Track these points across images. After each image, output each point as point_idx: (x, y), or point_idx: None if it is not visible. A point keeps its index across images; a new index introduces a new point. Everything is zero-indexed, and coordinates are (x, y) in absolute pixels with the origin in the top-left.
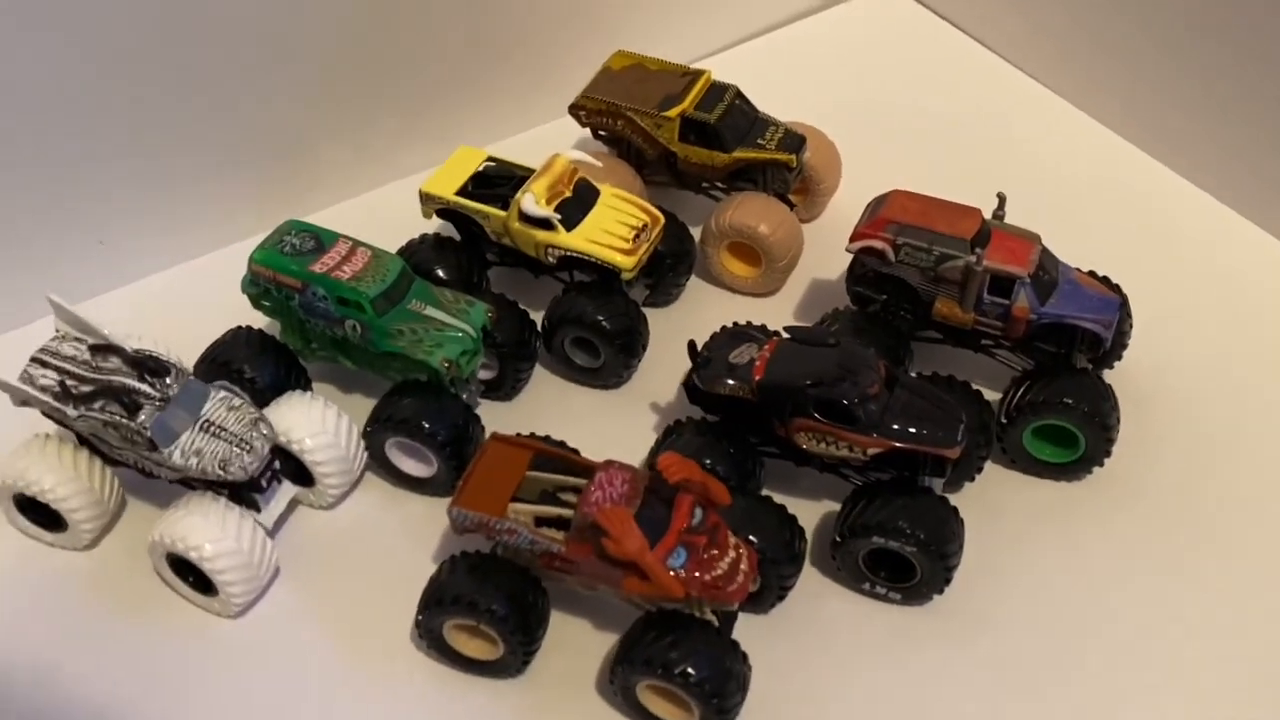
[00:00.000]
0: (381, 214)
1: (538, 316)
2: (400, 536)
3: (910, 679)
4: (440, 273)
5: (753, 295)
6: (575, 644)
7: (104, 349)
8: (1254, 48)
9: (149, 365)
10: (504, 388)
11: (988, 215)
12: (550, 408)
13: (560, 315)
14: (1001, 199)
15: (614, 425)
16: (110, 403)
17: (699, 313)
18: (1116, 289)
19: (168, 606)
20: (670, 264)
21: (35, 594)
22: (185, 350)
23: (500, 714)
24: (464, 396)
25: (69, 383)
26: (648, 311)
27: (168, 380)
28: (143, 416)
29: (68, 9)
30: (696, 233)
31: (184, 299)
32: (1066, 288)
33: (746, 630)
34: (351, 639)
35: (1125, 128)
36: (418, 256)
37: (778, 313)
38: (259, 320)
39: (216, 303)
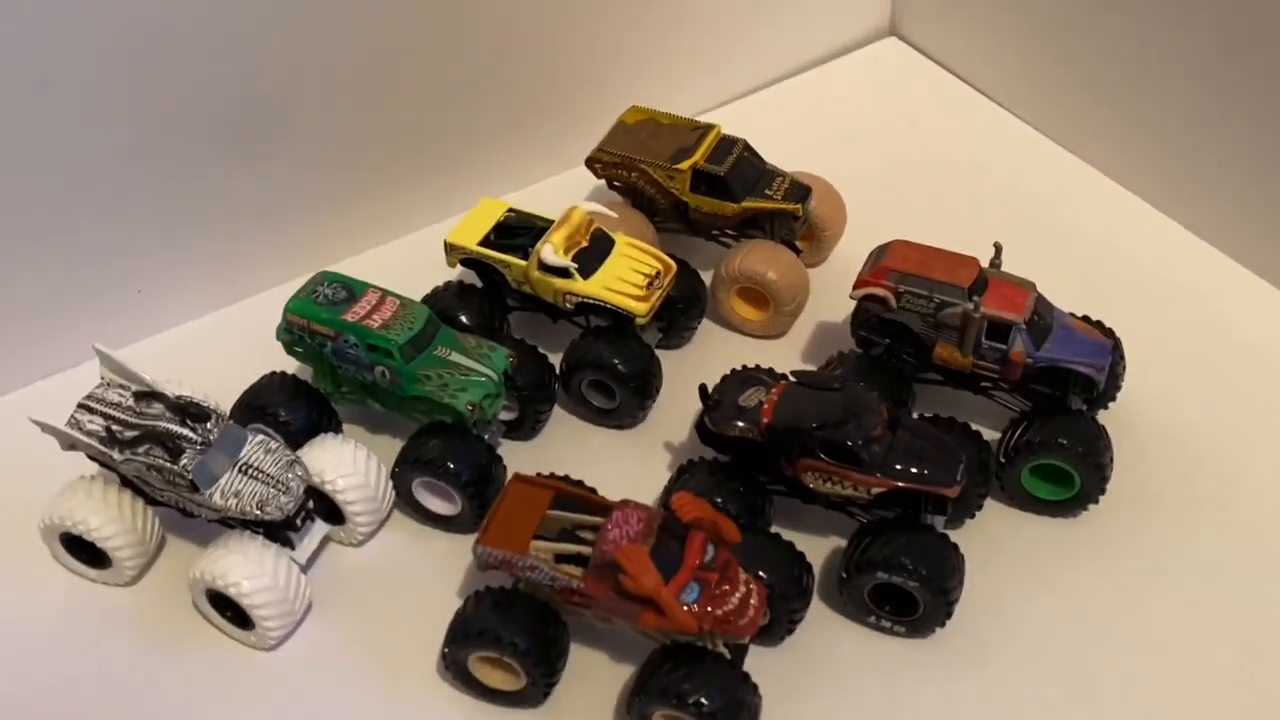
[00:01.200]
0: (407, 262)
1: (556, 360)
2: (426, 572)
3: (915, 709)
4: (464, 318)
5: (761, 338)
6: (594, 675)
7: (147, 395)
8: (1245, 96)
9: (191, 411)
10: (524, 428)
11: (985, 263)
12: (568, 447)
13: (578, 359)
14: (998, 248)
15: (629, 464)
16: (154, 447)
17: (710, 354)
18: (1110, 333)
19: (205, 640)
20: (682, 308)
21: (80, 627)
22: (219, 394)
23: None
24: (486, 437)
25: (114, 428)
26: (661, 354)
27: (208, 425)
28: (185, 460)
29: (105, 69)
30: (707, 277)
31: (217, 345)
32: (1061, 333)
33: (757, 662)
34: (380, 670)
35: (1121, 174)
36: (442, 303)
37: (785, 355)
38: (290, 365)
39: (249, 348)
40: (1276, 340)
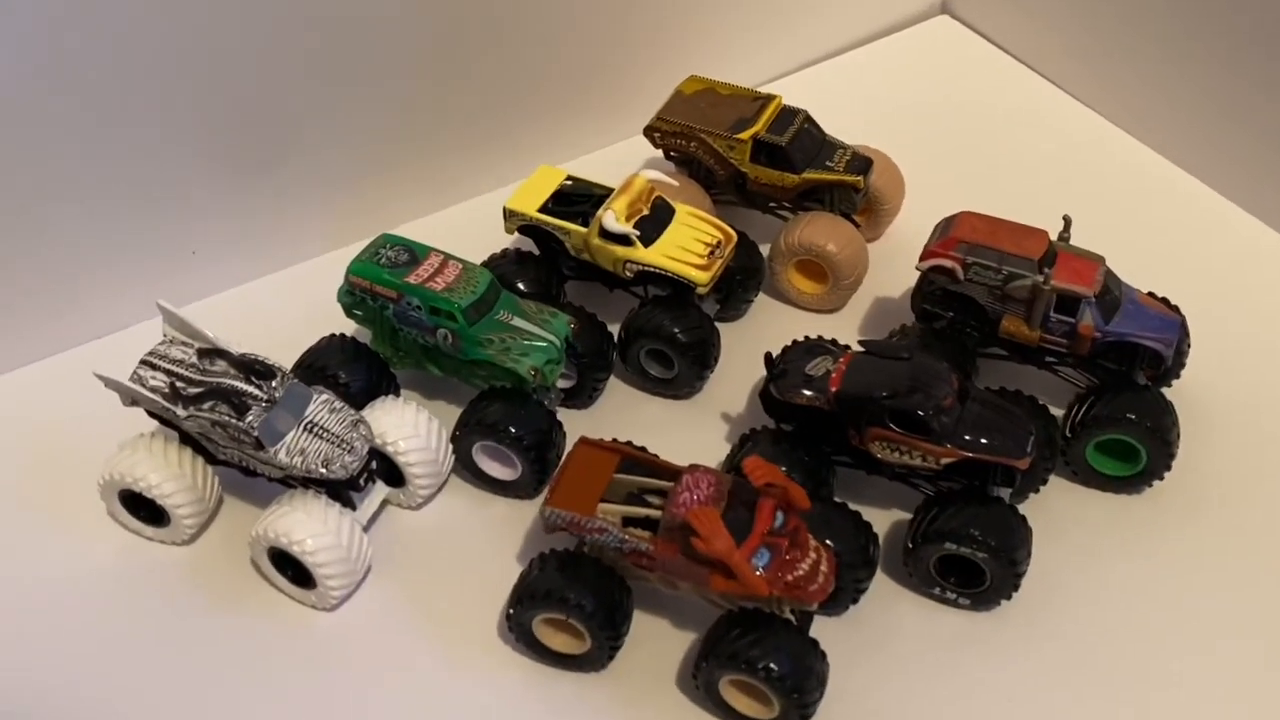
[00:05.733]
0: (462, 229)
1: (612, 329)
2: (484, 537)
3: (978, 681)
4: (521, 285)
5: (818, 311)
6: (657, 641)
7: (211, 353)
8: None
9: (256, 368)
10: (582, 396)
11: (1053, 237)
12: (625, 416)
13: (637, 328)
14: (1067, 221)
15: (686, 434)
16: (219, 404)
17: (766, 327)
18: (1176, 309)
19: (264, 600)
20: (740, 280)
21: (136, 586)
22: (272, 357)
23: (586, 706)
24: (545, 403)
25: (178, 384)
26: (717, 325)
27: (273, 383)
28: (250, 417)
29: (164, 37)
30: (764, 250)
31: (271, 308)
32: (1130, 307)
33: (821, 631)
34: (439, 632)
35: (1176, 154)
36: (500, 269)
37: (842, 329)
38: (345, 329)
39: (302, 312)
40: None
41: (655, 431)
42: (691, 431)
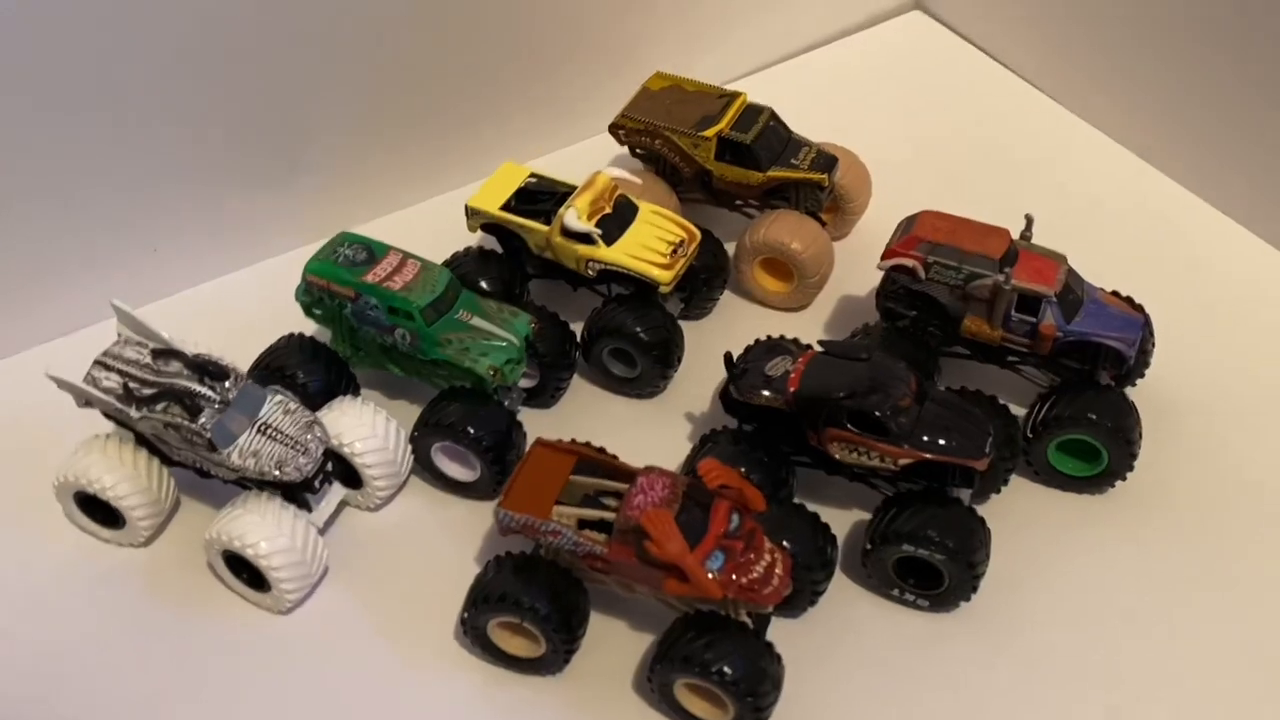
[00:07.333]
0: (425, 227)
1: (576, 328)
2: (443, 538)
3: (937, 683)
4: (484, 284)
5: (784, 310)
6: (614, 644)
7: (165, 353)
8: (1276, 75)
9: (209, 369)
10: (544, 396)
11: (1015, 236)
12: (588, 416)
13: (600, 327)
14: (1029, 220)
15: (649, 433)
16: (172, 405)
17: (732, 326)
18: (1140, 309)
19: (220, 602)
20: (705, 278)
21: (91, 589)
22: (234, 356)
23: (542, 710)
24: (506, 404)
25: (132, 385)
26: (682, 324)
27: (227, 384)
28: (203, 418)
29: (126, 26)
30: (730, 249)
31: (233, 307)
32: (1092, 307)
33: (779, 633)
34: (397, 636)
35: (1147, 151)
36: (463, 268)
37: (808, 327)
38: (305, 328)
39: (264, 311)
40: None
41: (619, 431)
42: (655, 431)
